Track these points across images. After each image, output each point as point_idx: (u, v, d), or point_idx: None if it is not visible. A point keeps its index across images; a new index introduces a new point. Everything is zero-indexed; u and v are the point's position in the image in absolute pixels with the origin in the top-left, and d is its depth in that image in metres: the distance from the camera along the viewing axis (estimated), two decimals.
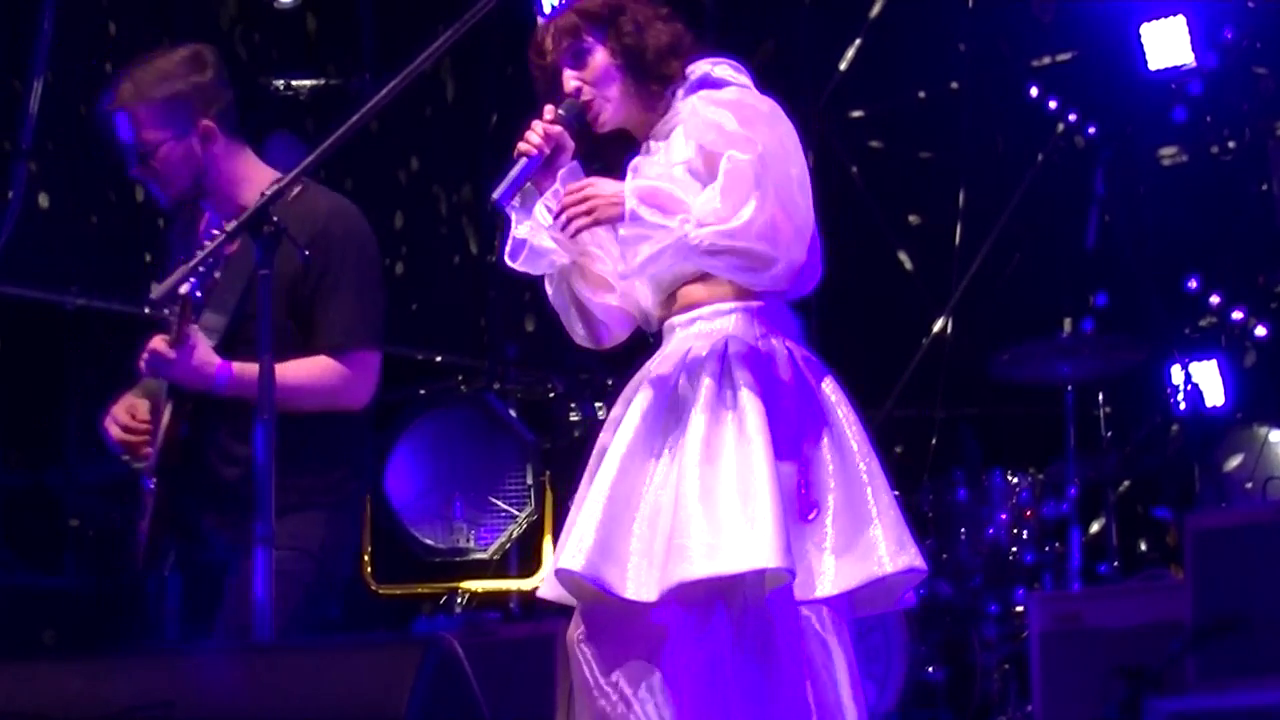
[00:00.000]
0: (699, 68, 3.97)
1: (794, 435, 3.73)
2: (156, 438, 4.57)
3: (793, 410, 3.75)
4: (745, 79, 3.98)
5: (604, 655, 3.81)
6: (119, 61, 4.62)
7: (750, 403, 3.70)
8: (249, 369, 4.32)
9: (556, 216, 3.82)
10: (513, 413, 7.75)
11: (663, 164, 3.86)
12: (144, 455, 4.58)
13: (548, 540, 7.30)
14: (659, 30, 3.93)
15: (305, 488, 4.47)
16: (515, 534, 7.55)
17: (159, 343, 4.42)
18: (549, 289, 4.08)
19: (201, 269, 4.18)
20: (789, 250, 3.73)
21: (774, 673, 3.65)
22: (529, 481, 7.54)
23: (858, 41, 9.48)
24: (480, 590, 7.51)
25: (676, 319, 3.91)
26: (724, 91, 3.90)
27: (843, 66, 9.53)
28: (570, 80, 3.93)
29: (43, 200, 7.77)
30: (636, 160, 3.93)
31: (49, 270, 7.76)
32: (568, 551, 3.73)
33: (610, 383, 7.29)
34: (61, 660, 3.68)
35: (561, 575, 3.76)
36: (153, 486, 4.55)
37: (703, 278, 3.86)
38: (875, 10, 9.43)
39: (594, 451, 3.89)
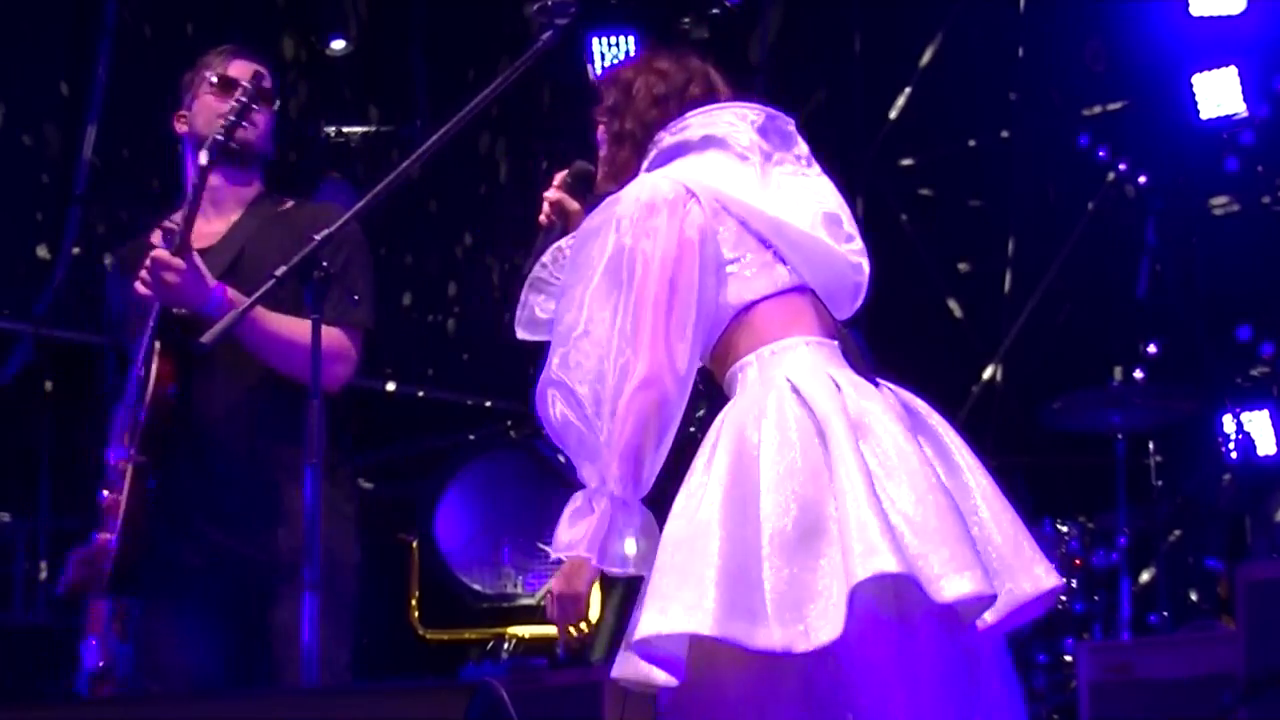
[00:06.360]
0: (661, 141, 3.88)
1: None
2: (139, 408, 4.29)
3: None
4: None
5: None
6: (173, 109, 4.62)
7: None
8: (243, 298, 4.18)
9: None
10: (562, 458, 7.74)
11: None
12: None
13: (595, 587, 7.28)
14: (638, 109, 3.85)
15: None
16: None
17: (160, 252, 4.21)
18: None
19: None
20: None
21: None
22: None
23: (908, 90, 9.49)
24: (527, 636, 7.49)
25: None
26: None
27: (893, 115, 9.55)
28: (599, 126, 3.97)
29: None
30: None
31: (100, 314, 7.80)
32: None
33: None
34: (103, 705, 3.69)
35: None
36: (129, 472, 4.26)
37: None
38: (926, 59, 9.44)
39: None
